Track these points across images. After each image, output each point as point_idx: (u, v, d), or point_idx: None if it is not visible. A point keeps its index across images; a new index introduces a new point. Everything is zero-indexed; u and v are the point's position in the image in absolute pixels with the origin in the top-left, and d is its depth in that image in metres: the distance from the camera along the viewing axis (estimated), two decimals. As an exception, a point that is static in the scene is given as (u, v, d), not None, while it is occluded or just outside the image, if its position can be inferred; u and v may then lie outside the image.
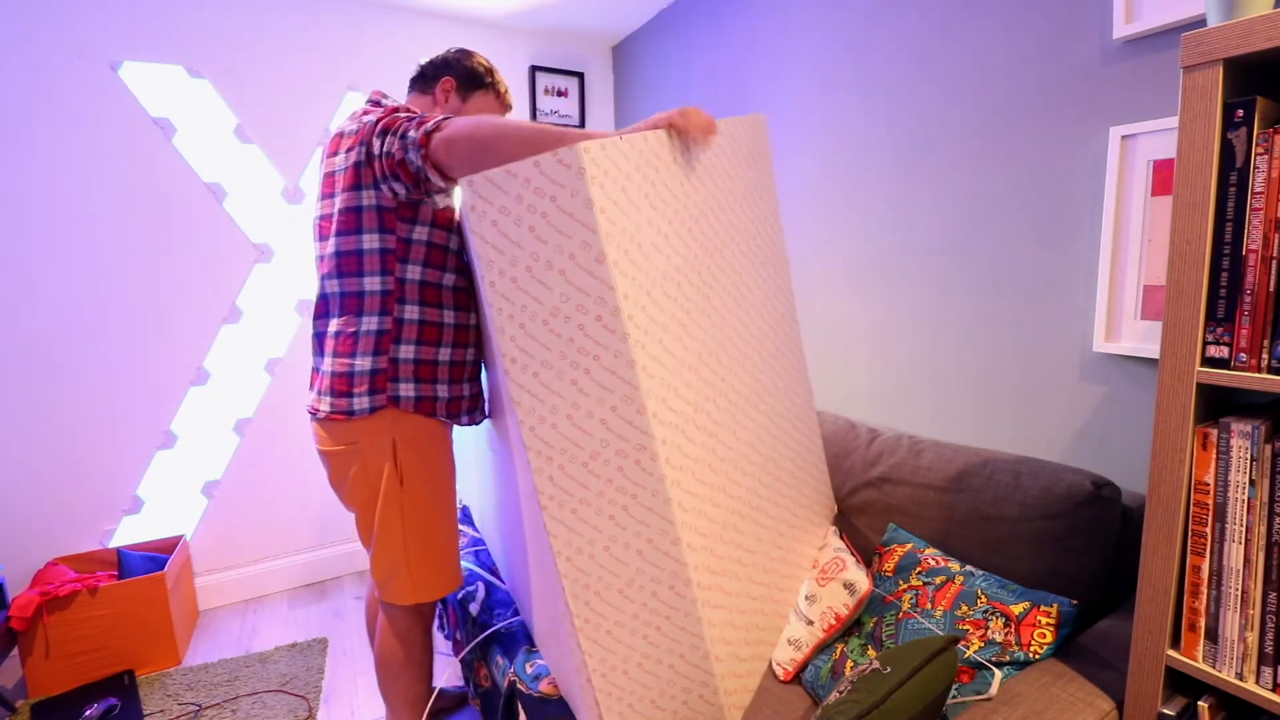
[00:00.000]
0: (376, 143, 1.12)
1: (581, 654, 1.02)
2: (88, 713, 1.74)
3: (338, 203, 1.18)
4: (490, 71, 1.37)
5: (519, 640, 1.39)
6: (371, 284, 1.18)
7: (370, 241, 1.17)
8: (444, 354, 1.24)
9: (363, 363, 1.18)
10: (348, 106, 2.45)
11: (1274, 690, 0.76)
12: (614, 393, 0.93)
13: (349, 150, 1.16)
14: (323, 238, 1.24)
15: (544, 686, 1.23)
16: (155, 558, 2.17)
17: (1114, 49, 1.23)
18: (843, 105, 1.83)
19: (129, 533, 2.26)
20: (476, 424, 1.35)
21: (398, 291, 1.19)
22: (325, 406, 1.21)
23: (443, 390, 1.25)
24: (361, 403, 1.19)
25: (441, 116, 1.10)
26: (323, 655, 2.06)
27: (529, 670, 1.28)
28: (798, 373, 1.43)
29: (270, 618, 2.33)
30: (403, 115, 1.13)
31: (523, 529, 1.27)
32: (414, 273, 1.20)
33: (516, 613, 1.50)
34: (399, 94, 2.55)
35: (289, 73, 2.33)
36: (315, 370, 1.28)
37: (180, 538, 2.26)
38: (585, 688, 1.05)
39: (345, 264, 1.18)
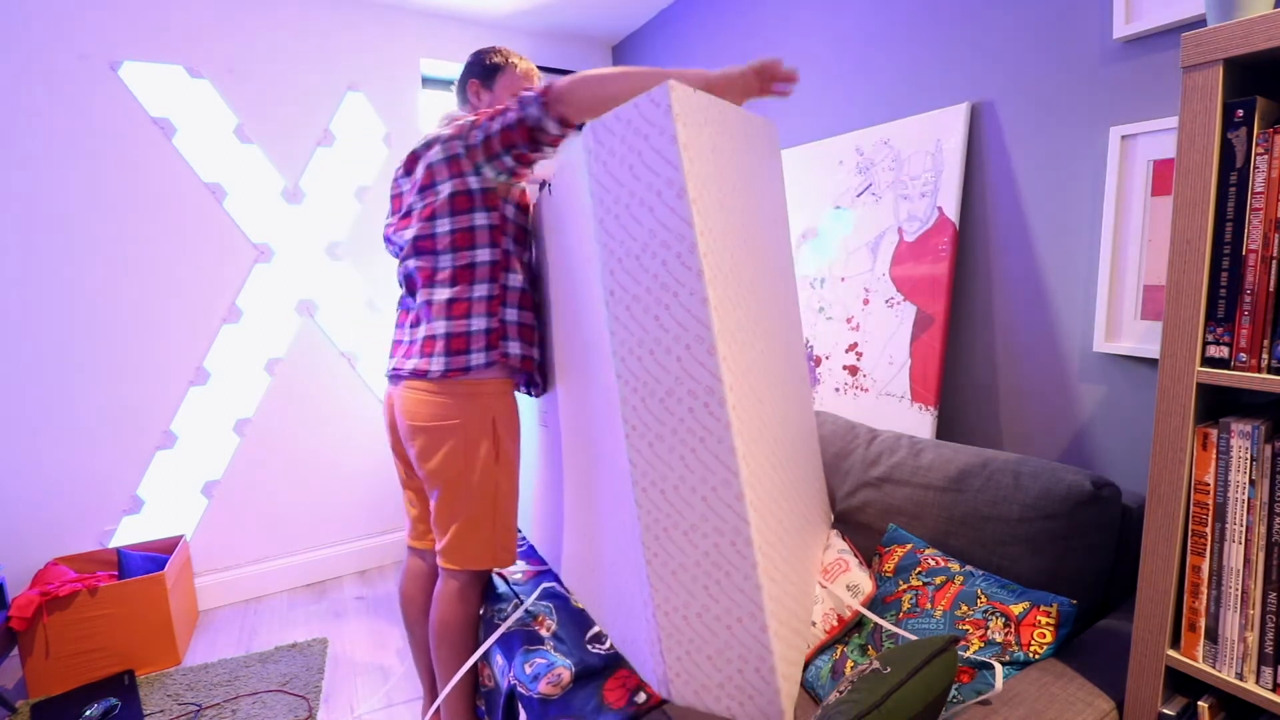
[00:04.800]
0: (476, 133, 1.27)
1: (649, 588, 1.03)
2: (88, 713, 1.74)
3: (449, 188, 1.31)
4: (496, 51, 1.48)
5: (518, 641, 1.39)
6: (483, 255, 1.32)
7: (481, 219, 1.32)
8: (533, 321, 1.40)
9: (478, 323, 1.32)
10: (348, 106, 2.45)
11: (1274, 690, 0.76)
12: (688, 331, 0.95)
13: (447, 141, 1.30)
14: (433, 217, 1.33)
15: (543, 687, 1.23)
16: (155, 558, 2.17)
17: (1114, 49, 1.23)
18: (842, 104, 1.83)
19: (129, 533, 2.26)
20: (540, 395, 1.49)
21: (504, 261, 1.34)
22: (440, 365, 1.30)
23: (535, 352, 1.39)
24: (479, 359, 1.31)
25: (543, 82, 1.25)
26: (323, 655, 2.06)
27: (528, 670, 1.28)
28: (804, 377, 1.43)
29: (270, 618, 2.33)
30: (500, 106, 1.29)
31: (569, 481, 1.33)
32: (510, 245, 1.36)
33: (517, 610, 1.50)
34: (398, 94, 2.55)
35: (289, 73, 2.33)
36: (413, 340, 1.36)
37: (180, 538, 2.26)
38: (649, 624, 1.06)
39: (460, 239, 1.32)
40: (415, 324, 1.38)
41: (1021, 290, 1.43)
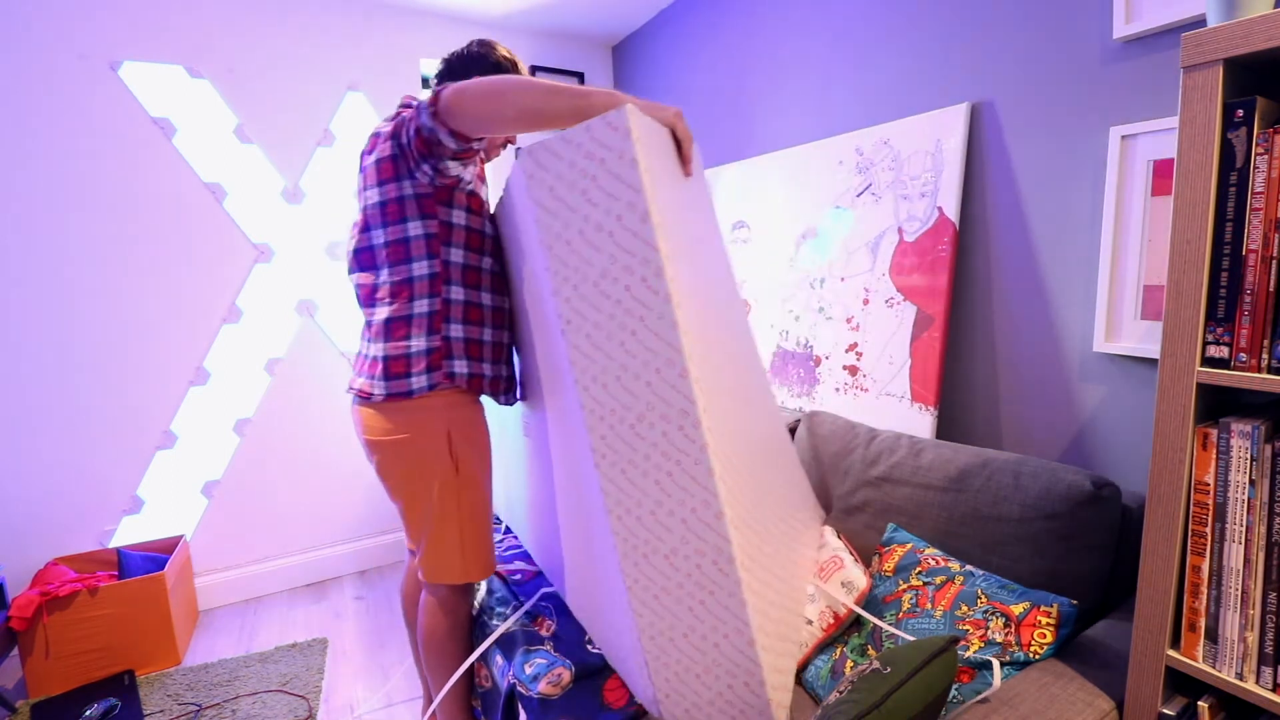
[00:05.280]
0: (404, 134, 1.16)
1: (632, 615, 1.02)
2: (88, 713, 1.74)
3: (377, 195, 1.22)
4: (515, 64, 1.40)
5: (518, 641, 1.39)
6: (420, 269, 1.22)
7: (415, 228, 1.21)
8: (486, 334, 1.30)
9: (418, 343, 1.23)
10: (348, 106, 2.45)
11: (1274, 690, 0.76)
12: (658, 355, 0.94)
13: (389, 140, 1.20)
14: (368, 228, 1.26)
15: (543, 687, 1.23)
16: (155, 558, 2.17)
17: (1114, 49, 1.23)
18: (842, 105, 1.83)
19: (129, 533, 2.26)
20: (511, 404, 1.41)
21: (444, 274, 1.24)
22: (381, 390, 1.23)
23: (488, 369, 1.31)
24: (420, 381, 1.23)
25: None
26: (323, 655, 2.06)
27: (528, 671, 1.28)
28: (764, 380, 1.42)
29: (270, 618, 2.33)
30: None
31: (561, 502, 1.31)
32: (456, 255, 1.25)
33: (518, 611, 1.50)
34: (398, 94, 2.54)
35: (289, 73, 2.33)
36: (364, 356, 1.30)
37: (180, 538, 2.26)
38: (635, 648, 1.06)
39: (394, 252, 1.22)
40: (365, 339, 1.31)
41: (1021, 290, 1.43)
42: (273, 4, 2.28)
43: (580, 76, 2.86)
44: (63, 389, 2.10)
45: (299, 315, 2.47)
